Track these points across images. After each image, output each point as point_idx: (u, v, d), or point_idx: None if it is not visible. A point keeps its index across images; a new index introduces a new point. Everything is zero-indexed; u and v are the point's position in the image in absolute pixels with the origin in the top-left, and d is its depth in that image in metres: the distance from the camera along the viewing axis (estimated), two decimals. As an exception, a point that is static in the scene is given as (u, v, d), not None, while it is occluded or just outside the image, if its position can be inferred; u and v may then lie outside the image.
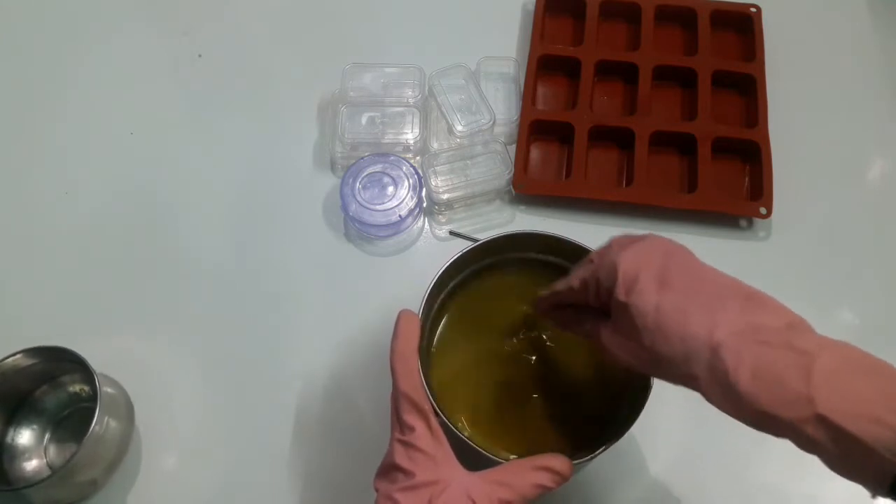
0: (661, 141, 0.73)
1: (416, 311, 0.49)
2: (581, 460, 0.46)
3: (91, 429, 0.52)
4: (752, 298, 0.38)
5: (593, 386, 0.54)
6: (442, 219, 0.71)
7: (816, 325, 0.38)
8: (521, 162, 0.71)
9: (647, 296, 0.39)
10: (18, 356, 0.56)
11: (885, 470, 0.33)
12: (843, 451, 0.34)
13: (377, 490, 0.43)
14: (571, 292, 0.45)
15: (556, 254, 0.56)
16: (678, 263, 0.41)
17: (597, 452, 0.46)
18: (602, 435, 0.50)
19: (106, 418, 0.55)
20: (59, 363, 0.58)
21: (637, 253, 0.41)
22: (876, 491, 0.34)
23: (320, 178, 0.73)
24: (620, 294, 0.40)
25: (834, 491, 0.58)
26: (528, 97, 0.75)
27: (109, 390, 0.57)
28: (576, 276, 0.45)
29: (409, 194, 0.68)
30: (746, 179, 0.73)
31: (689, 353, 0.37)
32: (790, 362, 0.35)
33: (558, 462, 0.44)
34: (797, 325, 0.37)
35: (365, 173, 0.69)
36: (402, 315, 0.47)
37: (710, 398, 0.37)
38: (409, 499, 0.41)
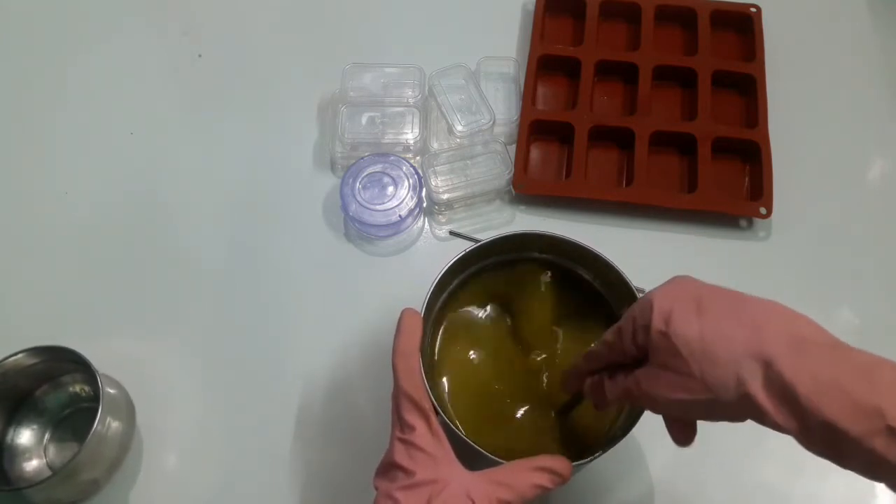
0: (661, 141, 0.73)
1: (419, 311, 0.49)
2: (581, 461, 0.46)
3: (93, 429, 0.52)
4: (794, 317, 0.38)
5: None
6: (442, 219, 0.71)
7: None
8: (521, 162, 0.71)
9: (689, 323, 0.38)
10: (20, 355, 0.56)
11: None
12: None
13: (377, 488, 0.44)
14: (605, 346, 0.44)
15: (556, 253, 0.56)
16: (710, 291, 0.40)
17: (597, 454, 0.46)
18: (602, 436, 0.50)
19: (108, 418, 0.55)
20: (59, 363, 0.58)
21: (668, 288, 0.41)
22: None
23: (320, 178, 0.73)
24: (660, 325, 0.39)
25: (834, 490, 0.58)
26: (528, 97, 0.75)
27: (111, 390, 0.57)
28: (609, 332, 0.44)
29: (409, 194, 0.68)
30: (746, 179, 0.73)
31: (741, 374, 0.36)
32: (850, 373, 0.34)
33: (558, 463, 0.44)
34: (842, 344, 0.36)
35: (365, 173, 0.69)
36: (405, 313, 0.47)
37: (771, 417, 0.35)
38: (409, 497, 0.41)
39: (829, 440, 0.34)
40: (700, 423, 0.60)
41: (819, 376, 0.34)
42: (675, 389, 0.39)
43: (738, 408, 0.37)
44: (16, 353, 0.56)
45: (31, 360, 0.57)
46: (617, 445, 0.47)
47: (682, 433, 0.44)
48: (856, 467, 0.34)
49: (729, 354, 0.36)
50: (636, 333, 0.41)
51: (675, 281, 0.42)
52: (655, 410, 0.42)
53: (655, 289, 0.41)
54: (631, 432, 0.47)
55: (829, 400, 0.34)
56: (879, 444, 0.32)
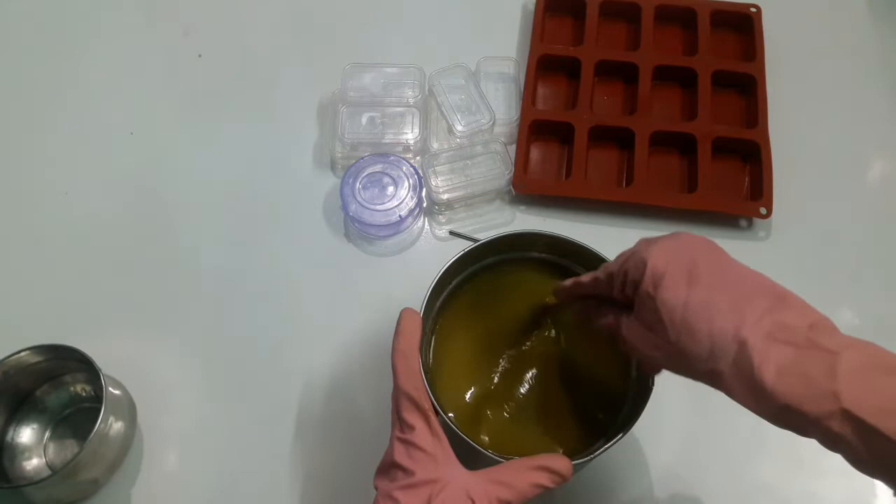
0: (661, 141, 0.73)
1: (418, 311, 0.49)
2: (581, 460, 0.46)
3: (96, 428, 0.52)
4: (779, 297, 0.39)
5: (594, 387, 0.54)
6: (442, 219, 0.71)
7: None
8: (521, 162, 0.71)
9: (676, 291, 0.39)
10: (22, 354, 0.56)
11: None
12: (868, 448, 0.34)
13: (377, 488, 0.44)
14: (596, 283, 0.46)
15: (556, 253, 0.56)
16: (707, 259, 0.41)
17: (596, 453, 0.46)
18: (602, 435, 0.50)
19: (109, 418, 0.55)
20: (61, 362, 0.59)
21: (666, 248, 0.42)
22: None
23: (320, 178, 0.73)
24: (648, 287, 0.40)
25: (833, 489, 0.58)
26: (528, 97, 0.75)
27: (113, 391, 0.57)
28: (603, 270, 0.45)
29: (409, 194, 0.68)
30: (746, 179, 0.73)
31: (714, 350, 0.38)
32: (816, 359, 0.36)
33: (558, 462, 0.44)
34: (822, 325, 0.38)
35: (365, 173, 0.69)
36: (405, 313, 0.47)
37: (733, 394, 0.38)
38: (409, 497, 0.41)
39: (788, 419, 0.36)
40: (701, 424, 0.60)
41: (785, 361, 0.36)
42: (651, 347, 0.41)
43: (706, 378, 0.39)
44: (18, 352, 0.56)
45: (34, 359, 0.57)
46: (617, 445, 0.47)
47: (653, 370, 0.47)
48: (816, 439, 0.36)
49: (707, 329, 0.38)
50: (626, 285, 0.43)
51: (675, 239, 0.43)
52: (630, 354, 0.44)
53: (653, 243, 0.42)
54: (632, 432, 0.47)
55: (790, 385, 0.35)
56: (835, 425, 0.34)
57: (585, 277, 0.47)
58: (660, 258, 0.41)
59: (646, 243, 0.43)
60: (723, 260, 0.42)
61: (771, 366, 0.36)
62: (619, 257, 0.45)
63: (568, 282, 0.50)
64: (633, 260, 0.42)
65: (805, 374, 0.35)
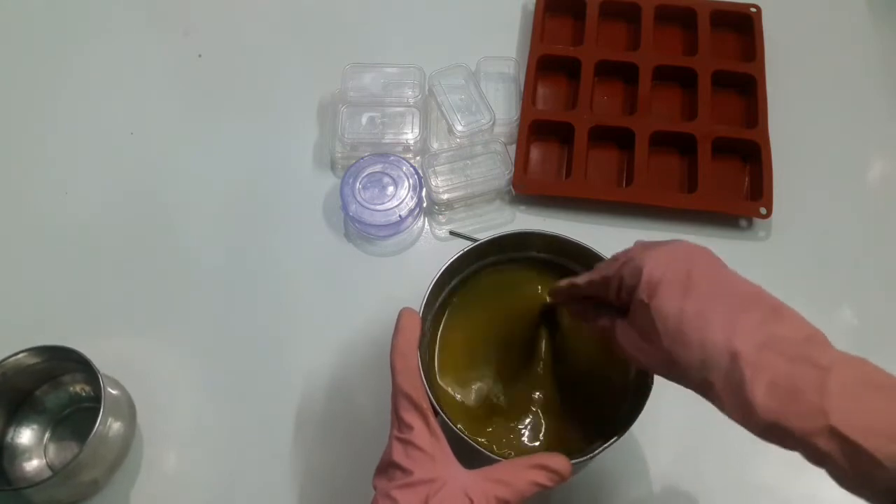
0: (661, 141, 0.73)
1: (418, 310, 0.49)
2: (579, 460, 0.46)
3: (95, 429, 0.52)
4: (774, 309, 0.39)
5: (593, 386, 0.54)
6: (442, 219, 0.71)
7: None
8: (521, 162, 0.71)
9: (671, 300, 0.39)
10: (21, 355, 0.56)
11: (892, 487, 0.33)
12: (853, 465, 0.34)
13: (375, 487, 0.44)
14: (591, 286, 0.46)
15: (556, 253, 0.56)
16: (703, 269, 0.41)
17: (595, 452, 0.46)
18: (601, 435, 0.50)
19: (109, 419, 0.55)
20: (60, 363, 0.59)
21: (663, 256, 0.41)
22: None
23: (320, 178, 0.73)
24: (643, 295, 0.40)
25: (833, 491, 0.58)
26: (528, 97, 0.75)
27: (112, 391, 0.57)
28: (598, 272, 0.45)
29: (409, 194, 0.68)
30: (746, 179, 0.73)
31: (706, 360, 0.37)
32: (806, 375, 0.35)
33: (556, 461, 0.44)
34: (815, 339, 0.37)
35: (365, 173, 0.69)
36: (404, 312, 0.47)
37: (722, 406, 0.38)
38: (407, 496, 0.41)
39: (775, 434, 0.36)
40: (700, 424, 0.60)
41: (775, 376, 0.36)
42: (644, 353, 0.41)
43: (697, 387, 0.39)
44: (17, 353, 0.56)
45: (32, 360, 0.57)
46: (616, 444, 0.47)
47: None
48: (802, 455, 0.36)
49: (700, 339, 0.38)
50: (621, 290, 0.42)
51: (672, 246, 0.42)
52: (623, 356, 0.44)
53: (650, 249, 0.42)
54: (631, 432, 0.47)
55: (779, 400, 0.35)
56: (822, 442, 0.34)
57: (580, 279, 0.47)
58: (656, 266, 0.41)
59: (642, 248, 0.43)
60: (719, 270, 0.41)
61: (761, 381, 0.36)
62: (613, 259, 0.45)
63: (563, 282, 0.49)
64: (629, 266, 0.42)
65: (795, 390, 0.35)
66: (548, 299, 0.55)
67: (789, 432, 0.35)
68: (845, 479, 0.35)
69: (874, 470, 0.33)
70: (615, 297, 0.43)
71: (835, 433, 0.34)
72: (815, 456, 0.35)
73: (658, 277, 0.40)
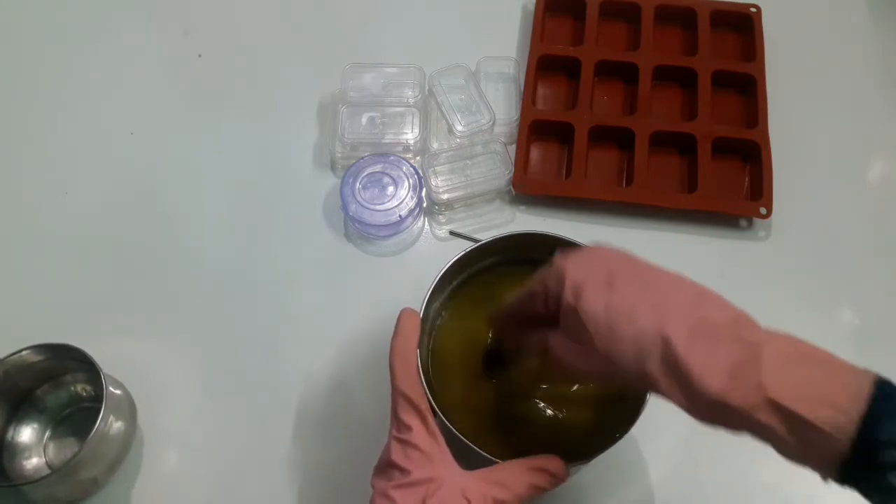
0: (661, 141, 0.73)
1: (418, 311, 0.49)
2: (577, 462, 0.46)
3: (96, 426, 0.53)
4: (699, 294, 0.39)
5: (592, 386, 0.54)
6: (442, 219, 0.71)
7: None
8: (521, 162, 0.71)
9: (597, 298, 0.39)
10: (23, 353, 0.56)
11: (834, 452, 0.34)
12: (795, 436, 0.35)
13: (373, 487, 0.44)
14: (521, 302, 0.45)
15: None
16: (624, 266, 0.41)
17: (594, 454, 0.46)
18: (600, 436, 0.50)
19: (110, 417, 0.55)
20: (62, 361, 0.59)
21: (583, 259, 0.42)
22: (826, 475, 0.35)
23: (320, 178, 0.73)
24: (569, 298, 0.40)
25: (834, 491, 0.58)
26: (528, 97, 0.75)
27: (114, 390, 0.57)
28: (524, 287, 0.44)
29: (409, 194, 0.68)
30: (746, 179, 0.73)
31: (641, 351, 0.37)
32: (740, 352, 0.36)
33: (553, 463, 0.44)
34: (742, 319, 0.38)
35: (365, 173, 0.69)
36: (403, 313, 0.47)
37: (664, 393, 0.38)
38: (404, 496, 0.41)
39: (717, 414, 0.37)
40: (699, 424, 0.60)
41: (709, 355, 0.36)
42: (579, 360, 0.40)
43: (635, 381, 0.38)
44: (18, 351, 0.56)
45: (34, 358, 0.57)
46: (616, 446, 0.47)
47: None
48: (747, 434, 0.37)
49: (631, 331, 0.38)
50: (548, 299, 0.42)
51: (590, 250, 0.43)
52: (563, 373, 0.43)
53: (569, 255, 0.42)
54: (630, 433, 0.47)
55: (717, 379, 0.36)
56: (763, 415, 0.35)
57: (512, 299, 0.46)
58: (577, 268, 0.41)
59: (562, 256, 0.43)
60: (640, 265, 0.41)
61: (697, 360, 0.36)
62: (537, 274, 0.44)
63: (499, 308, 0.48)
64: (552, 273, 0.42)
65: (732, 367, 0.36)
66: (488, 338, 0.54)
67: (732, 409, 0.35)
68: (789, 450, 0.36)
69: (815, 436, 0.34)
70: (543, 307, 0.42)
71: (774, 405, 0.35)
72: (759, 431, 0.36)
73: (581, 279, 0.40)
